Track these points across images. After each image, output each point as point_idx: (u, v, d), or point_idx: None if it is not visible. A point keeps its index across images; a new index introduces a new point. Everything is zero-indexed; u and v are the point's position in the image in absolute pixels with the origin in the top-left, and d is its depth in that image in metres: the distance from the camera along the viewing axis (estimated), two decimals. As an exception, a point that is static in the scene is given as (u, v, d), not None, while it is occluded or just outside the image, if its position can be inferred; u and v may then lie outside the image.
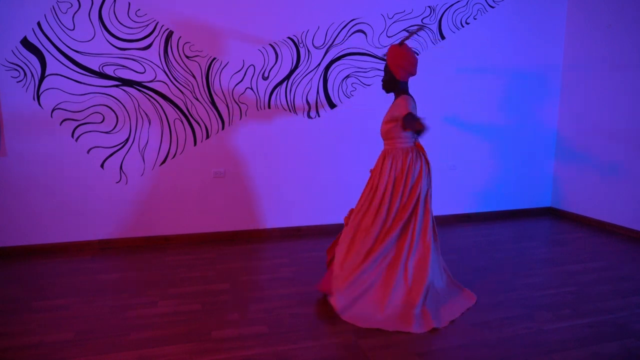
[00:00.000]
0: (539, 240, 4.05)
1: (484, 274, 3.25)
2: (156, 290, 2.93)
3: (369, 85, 4.22)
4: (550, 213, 4.99)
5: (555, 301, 2.81)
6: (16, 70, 3.47)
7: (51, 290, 2.95)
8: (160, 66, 3.72)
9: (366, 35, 4.13)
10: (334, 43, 4.07)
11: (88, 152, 3.69)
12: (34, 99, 3.53)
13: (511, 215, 4.87)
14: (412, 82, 4.26)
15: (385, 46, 4.19)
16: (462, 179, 4.63)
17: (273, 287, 3.01)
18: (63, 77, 3.55)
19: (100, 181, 3.74)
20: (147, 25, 3.65)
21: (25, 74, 3.49)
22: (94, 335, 2.36)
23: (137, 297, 2.84)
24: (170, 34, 3.70)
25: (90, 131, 3.67)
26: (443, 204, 4.61)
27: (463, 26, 4.38)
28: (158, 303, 2.75)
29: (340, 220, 4.32)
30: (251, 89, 3.94)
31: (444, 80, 4.41)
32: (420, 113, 4.32)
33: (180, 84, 3.78)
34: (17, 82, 3.49)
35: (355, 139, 4.24)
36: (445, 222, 4.61)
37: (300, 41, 3.99)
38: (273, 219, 4.16)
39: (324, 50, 4.05)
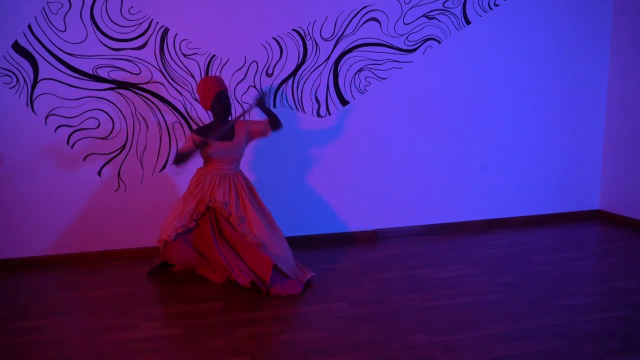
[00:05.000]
0: (584, 250, 3.51)
1: (513, 292, 2.79)
2: (142, 310, 2.68)
3: (384, 78, 3.82)
4: (599, 217, 4.38)
5: (602, 330, 2.32)
6: (8, 76, 3.34)
7: (34, 309, 2.76)
8: (157, 66, 3.49)
9: (380, 24, 3.74)
10: (345, 34, 3.70)
11: (84, 159, 3.51)
12: (27, 105, 3.39)
13: (552, 220, 4.31)
14: (436, 68, 3.84)
15: (401, 35, 3.78)
16: (493, 179, 4.14)
17: (269, 306, 2.69)
18: (56, 82, 3.39)
19: (98, 190, 3.55)
20: (141, 23, 3.42)
21: (17, 80, 3.35)
22: (60, 365, 2.13)
23: (120, 317, 2.59)
24: (166, 31, 3.46)
25: (86, 137, 3.49)
26: (471, 207, 4.13)
27: (491, 8, 3.89)
28: (140, 325, 2.49)
29: (358, 227, 3.95)
30: (254, 87, 3.65)
31: (472, 69, 3.94)
32: (448, 105, 3.91)
33: (178, 84, 3.54)
34: (10, 88, 3.36)
35: (370, 138, 3.86)
36: (475, 229, 4.13)
37: (306, 33, 3.65)
38: (282, 227, 3.83)
39: (333, 42, 3.69)
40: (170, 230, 2.91)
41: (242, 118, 3.03)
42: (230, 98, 3.61)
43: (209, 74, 3.56)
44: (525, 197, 4.24)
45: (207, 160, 3.06)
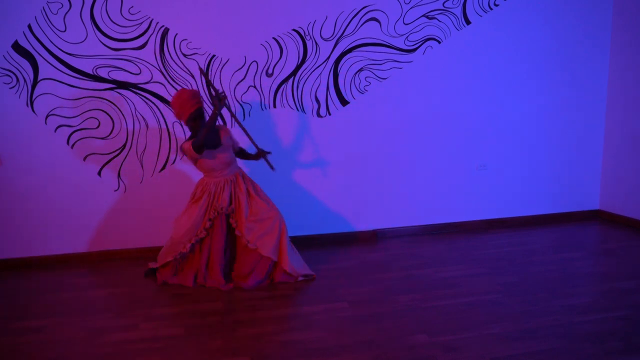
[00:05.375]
0: (584, 250, 3.51)
1: (513, 292, 2.79)
2: (142, 310, 2.68)
3: (384, 78, 3.82)
4: (599, 217, 4.38)
5: (602, 330, 2.32)
6: (8, 76, 3.34)
7: (35, 309, 2.76)
8: (157, 66, 3.49)
9: (380, 24, 3.74)
10: (345, 34, 3.70)
11: (84, 159, 3.52)
12: (27, 105, 3.39)
13: (552, 220, 4.31)
14: (436, 68, 3.84)
15: (401, 35, 3.78)
16: (493, 178, 4.13)
17: (269, 306, 2.69)
18: (56, 82, 3.39)
19: (98, 190, 3.55)
20: (141, 23, 3.42)
21: (17, 80, 3.35)
22: (60, 365, 2.13)
23: (120, 317, 2.59)
24: (166, 31, 3.46)
25: (86, 137, 3.50)
26: (471, 207, 4.14)
27: (491, 8, 3.89)
28: (140, 325, 2.49)
29: (358, 227, 3.95)
30: (254, 87, 3.65)
31: (472, 70, 3.94)
32: (448, 105, 3.92)
33: (178, 84, 3.54)
34: (10, 88, 3.36)
35: (370, 138, 3.86)
36: (475, 229, 4.13)
37: (306, 33, 3.65)
38: (282, 227, 3.84)
39: (333, 42, 3.69)
40: (185, 240, 2.99)
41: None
42: (231, 98, 3.62)
43: (209, 74, 3.56)
44: (525, 197, 4.24)
45: (207, 171, 3.05)
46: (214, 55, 3.55)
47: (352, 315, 2.55)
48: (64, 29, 3.34)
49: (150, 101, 3.52)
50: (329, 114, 3.79)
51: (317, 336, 2.33)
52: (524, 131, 4.13)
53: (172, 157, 3.62)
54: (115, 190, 3.59)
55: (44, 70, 3.36)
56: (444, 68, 3.88)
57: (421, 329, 2.37)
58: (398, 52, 3.80)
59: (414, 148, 3.95)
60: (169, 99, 3.53)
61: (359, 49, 3.74)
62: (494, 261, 3.31)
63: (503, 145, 4.11)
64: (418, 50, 3.83)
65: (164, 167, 3.62)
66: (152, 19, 3.43)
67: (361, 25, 3.71)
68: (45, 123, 3.43)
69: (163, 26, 3.45)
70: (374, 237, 3.98)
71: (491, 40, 3.93)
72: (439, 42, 3.85)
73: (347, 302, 2.71)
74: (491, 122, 4.05)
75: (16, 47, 3.31)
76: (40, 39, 3.33)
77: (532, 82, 4.07)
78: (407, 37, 3.80)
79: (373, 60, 3.78)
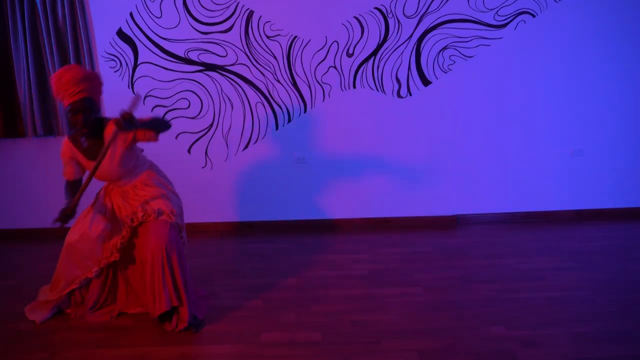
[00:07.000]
0: (697, 249, 3.13)
1: (605, 290, 2.57)
2: (222, 280, 2.87)
3: (470, 57, 3.62)
4: None
5: None
6: (113, 60, 3.66)
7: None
8: (242, 48, 3.62)
9: (468, -2, 3.53)
10: (429, 10, 3.55)
11: (176, 137, 3.78)
12: (129, 87, 3.71)
13: (659, 213, 3.87)
14: (529, 45, 3.57)
15: (491, 9, 3.54)
16: (589, 165, 3.78)
17: (341, 286, 2.74)
18: (153, 65, 3.65)
19: (187, 166, 3.81)
20: (228, 6, 3.56)
21: (121, 64, 3.67)
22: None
23: (201, 285, 2.79)
24: (251, 13, 3.56)
25: (178, 117, 3.75)
26: (562, 196, 3.83)
27: (598, -24, 3.49)
28: (220, 295, 2.67)
29: (439, 212, 3.86)
30: (334, 67, 3.65)
31: (570, 46, 3.60)
32: (541, 85, 3.63)
33: (262, 65, 3.64)
34: (115, 71, 3.68)
35: (454, 120, 3.71)
36: (565, 220, 3.83)
37: (389, 11, 3.56)
38: (357, 208, 3.86)
39: (416, 19, 3.56)
40: None
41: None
42: (312, 78, 3.65)
43: (291, 55, 3.61)
44: (624, 188, 3.83)
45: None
46: (295, 37, 3.59)
47: (426, 301, 2.52)
48: (160, 15, 3.58)
49: (235, 82, 3.67)
50: (410, 95, 3.69)
51: (389, 319, 2.34)
52: (628, 115, 3.71)
53: (254, 136, 3.77)
54: (203, 167, 3.83)
55: (143, 54, 3.64)
56: (538, 45, 3.59)
57: (499, 321, 2.29)
58: (486, 28, 3.57)
59: (500, 129, 3.73)
60: (253, 79, 3.65)
61: (443, 26, 3.57)
62: (585, 255, 3.07)
63: (601, 129, 3.73)
64: (509, 25, 3.57)
65: (247, 146, 3.79)
66: (238, 2, 3.54)
67: (447, 1, 3.53)
68: (144, 103, 3.73)
69: (248, 9, 3.55)
70: (454, 223, 3.86)
71: (593, 11, 3.54)
72: (534, 16, 3.55)
73: (422, 287, 2.68)
74: (589, 104, 3.69)
75: (120, 33, 3.61)
76: (140, 25, 3.59)
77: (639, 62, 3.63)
78: (497, 12, 3.55)
79: (459, 37, 3.60)
